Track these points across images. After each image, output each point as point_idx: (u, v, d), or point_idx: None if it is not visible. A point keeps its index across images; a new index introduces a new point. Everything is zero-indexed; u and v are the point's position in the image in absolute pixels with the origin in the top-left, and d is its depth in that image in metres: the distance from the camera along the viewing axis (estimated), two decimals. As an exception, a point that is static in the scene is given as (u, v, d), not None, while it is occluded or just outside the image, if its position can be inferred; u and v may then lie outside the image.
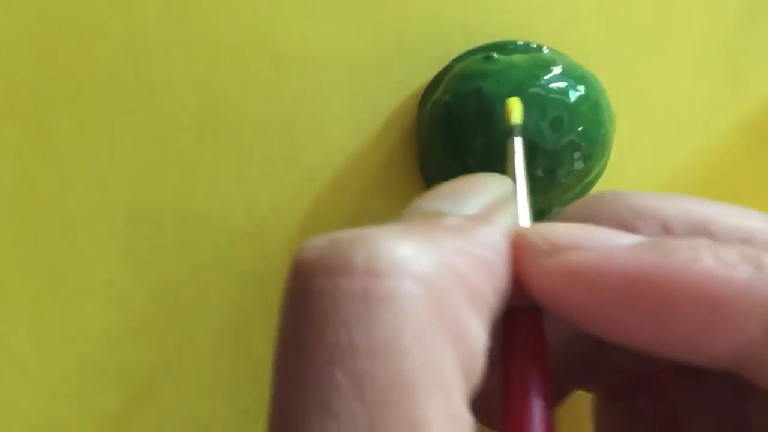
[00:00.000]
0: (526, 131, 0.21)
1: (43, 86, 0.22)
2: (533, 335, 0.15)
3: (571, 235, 0.14)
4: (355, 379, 0.11)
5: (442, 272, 0.13)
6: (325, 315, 0.12)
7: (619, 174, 0.25)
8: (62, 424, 0.23)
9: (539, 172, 0.22)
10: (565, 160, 0.22)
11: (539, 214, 0.22)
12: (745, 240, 0.15)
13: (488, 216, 0.15)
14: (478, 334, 0.13)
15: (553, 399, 0.20)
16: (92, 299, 0.23)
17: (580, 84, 0.22)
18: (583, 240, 0.14)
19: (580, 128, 0.21)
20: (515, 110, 0.20)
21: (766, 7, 0.27)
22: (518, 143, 0.19)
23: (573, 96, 0.21)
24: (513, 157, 0.18)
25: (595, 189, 0.24)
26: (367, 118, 0.24)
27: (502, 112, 0.20)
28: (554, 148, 0.21)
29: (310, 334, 0.12)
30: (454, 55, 0.24)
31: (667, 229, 0.16)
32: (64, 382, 0.23)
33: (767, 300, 0.13)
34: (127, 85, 0.22)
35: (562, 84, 0.21)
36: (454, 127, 0.22)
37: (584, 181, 0.23)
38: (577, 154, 0.22)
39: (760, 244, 0.15)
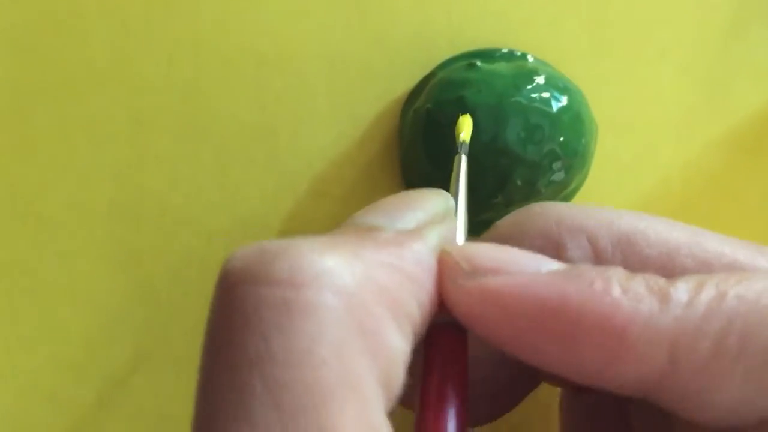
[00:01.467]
0: (506, 140, 0.21)
1: (24, 85, 0.22)
2: (455, 350, 0.15)
3: (493, 257, 0.15)
4: (272, 387, 0.12)
5: (363, 285, 0.13)
6: (246, 323, 0.12)
7: (599, 185, 0.25)
8: (36, 424, 0.23)
9: (519, 182, 0.22)
10: (545, 170, 0.22)
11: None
12: (669, 254, 0.16)
13: (420, 232, 0.15)
14: (397, 346, 0.14)
15: (514, 399, 0.20)
16: (69, 299, 0.23)
17: (563, 95, 0.22)
18: (504, 264, 0.15)
19: (561, 139, 0.22)
20: (465, 128, 0.20)
21: (749, 23, 0.27)
22: (464, 161, 0.19)
23: (555, 106, 0.22)
24: (457, 174, 0.19)
25: (576, 199, 0.24)
26: (350, 124, 0.23)
27: (456, 129, 0.21)
28: (534, 157, 0.21)
29: (231, 341, 0.12)
30: (438, 62, 0.24)
31: (593, 243, 0.17)
32: (39, 382, 0.23)
33: (671, 332, 0.13)
34: (108, 84, 0.22)
35: (545, 94, 0.22)
36: (435, 136, 0.22)
37: (564, 191, 0.23)
38: (557, 165, 0.22)
39: (682, 259, 0.16)
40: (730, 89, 0.27)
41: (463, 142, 0.20)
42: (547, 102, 0.21)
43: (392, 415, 0.13)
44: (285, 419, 0.12)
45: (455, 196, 0.18)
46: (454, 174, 0.19)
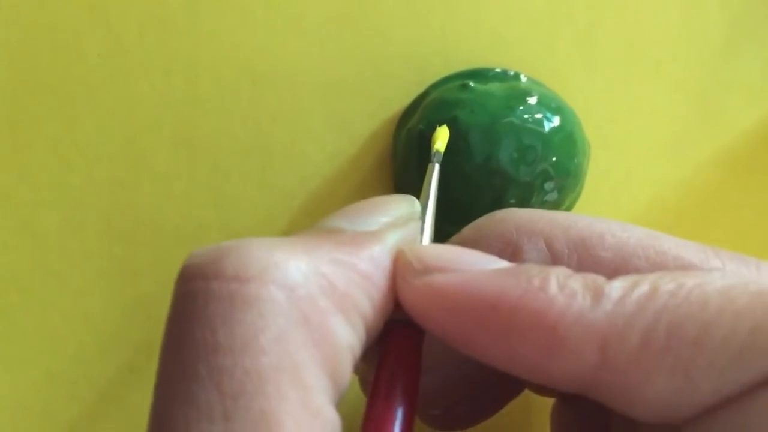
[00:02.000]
0: (499, 161, 0.21)
1: (19, 102, 0.22)
2: (408, 347, 0.16)
3: (441, 256, 0.15)
4: (215, 372, 0.13)
5: (310, 279, 0.14)
6: (195, 314, 0.13)
7: (593, 203, 0.26)
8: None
9: (513, 201, 0.22)
10: (538, 190, 0.22)
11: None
12: (623, 257, 0.16)
13: (379, 233, 0.16)
14: (344, 338, 0.14)
15: (504, 395, 0.20)
16: (64, 315, 0.23)
17: (556, 115, 0.22)
18: (452, 263, 0.15)
19: (554, 159, 0.22)
20: (441, 138, 0.21)
21: (742, 41, 0.27)
22: (436, 169, 0.20)
23: (547, 127, 0.22)
24: (428, 182, 0.19)
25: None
26: (344, 142, 0.24)
27: (432, 141, 0.21)
28: (527, 178, 0.21)
29: (183, 332, 0.13)
30: (432, 81, 0.24)
31: (549, 246, 0.17)
32: (34, 399, 0.23)
33: (601, 327, 0.13)
34: (103, 102, 0.22)
35: (537, 115, 0.22)
36: (428, 155, 0.22)
37: (558, 210, 0.23)
38: (549, 185, 0.22)
39: (636, 262, 0.16)
40: (723, 107, 0.27)
41: (437, 151, 0.20)
42: (539, 122, 0.21)
43: (342, 405, 0.14)
44: (226, 402, 0.12)
45: (425, 202, 0.18)
46: (425, 181, 0.19)
